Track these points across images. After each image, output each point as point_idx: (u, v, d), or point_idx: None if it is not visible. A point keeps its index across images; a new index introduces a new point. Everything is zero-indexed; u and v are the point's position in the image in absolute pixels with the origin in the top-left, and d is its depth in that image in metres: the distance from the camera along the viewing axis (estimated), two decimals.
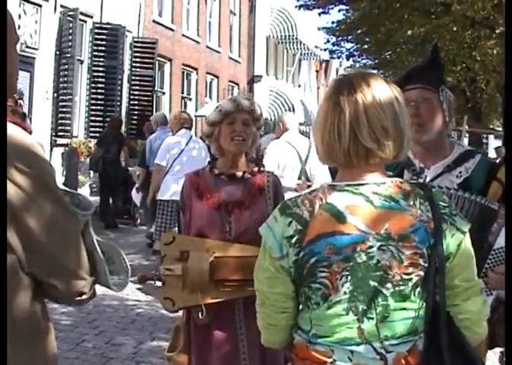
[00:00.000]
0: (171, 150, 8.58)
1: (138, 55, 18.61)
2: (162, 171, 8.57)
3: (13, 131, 1.85)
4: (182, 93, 23.12)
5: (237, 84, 27.60)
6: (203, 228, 3.43)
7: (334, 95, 2.11)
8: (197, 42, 23.53)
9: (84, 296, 2.00)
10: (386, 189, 2.07)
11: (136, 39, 18.86)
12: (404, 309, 2.03)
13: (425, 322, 2.06)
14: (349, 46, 23.88)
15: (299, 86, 34.14)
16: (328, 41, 23.52)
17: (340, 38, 23.11)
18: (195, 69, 23.72)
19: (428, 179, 2.94)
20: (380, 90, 2.08)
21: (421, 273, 2.03)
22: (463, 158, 2.98)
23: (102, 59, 17.05)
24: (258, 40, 28.91)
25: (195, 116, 23.46)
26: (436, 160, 3.00)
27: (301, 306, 2.17)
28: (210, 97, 25.35)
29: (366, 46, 23.83)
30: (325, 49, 25.01)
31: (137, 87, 18.59)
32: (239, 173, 3.47)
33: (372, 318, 2.02)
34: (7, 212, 1.76)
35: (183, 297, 3.35)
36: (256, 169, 3.53)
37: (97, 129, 16.30)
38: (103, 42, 17.03)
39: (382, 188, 2.07)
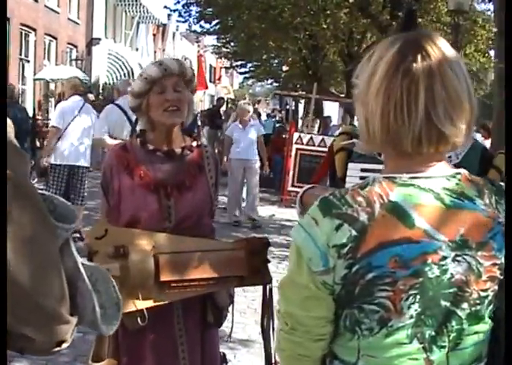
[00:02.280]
0: (65, 115, 8.55)
1: None
2: (57, 134, 8.54)
3: None
4: (20, 54, 21.93)
5: (75, 47, 26.63)
6: (137, 213, 2.91)
7: (401, 61, 1.60)
8: (36, 1, 22.36)
9: (64, 345, 1.43)
10: (457, 184, 1.65)
11: None
12: (476, 332, 1.66)
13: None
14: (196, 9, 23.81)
15: (137, 49, 33.48)
16: (179, 2, 23.40)
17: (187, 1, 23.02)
18: (34, 30, 22.57)
19: None
20: (454, 58, 1.64)
21: (496, 287, 1.66)
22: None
23: None
24: (97, 1, 27.93)
25: (34, 80, 22.49)
26: None
27: (340, 331, 1.71)
28: (49, 60, 24.29)
29: (210, 10, 23.76)
30: (174, 10, 24.78)
31: None
32: (178, 150, 2.99)
33: (444, 347, 1.62)
34: None
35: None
36: (194, 144, 3.06)
37: None
38: None
39: (452, 183, 1.64)
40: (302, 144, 13.18)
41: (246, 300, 6.26)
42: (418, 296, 1.59)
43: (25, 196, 1.30)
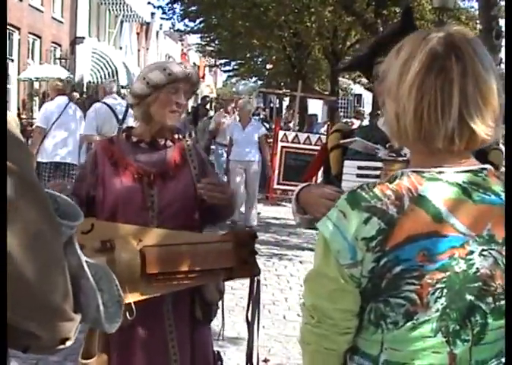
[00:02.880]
0: (49, 115, 8.74)
1: None
2: (42, 134, 8.70)
3: None
4: None
5: (60, 45, 26.48)
6: (120, 204, 2.94)
7: (435, 60, 1.61)
8: (20, 0, 22.20)
9: (68, 343, 1.42)
10: (484, 179, 1.66)
11: None
12: (500, 327, 1.65)
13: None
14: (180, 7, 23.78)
15: (121, 48, 33.43)
16: None
17: None
18: (17, 29, 22.41)
19: (408, 157, 2.80)
20: (486, 57, 1.65)
21: None
22: None
23: None
24: (81, 0, 27.83)
25: (18, 79, 22.38)
26: None
27: (364, 324, 1.72)
28: (33, 59, 24.17)
29: (194, 8, 23.74)
30: (158, 7, 24.77)
31: None
32: (161, 141, 3.05)
33: (467, 341, 1.63)
34: None
35: None
36: (176, 136, 3.12)
37: None
38: None
39: (480, 179, 1.66)
40: (288, 141, 13.18)
41: (234, 298, 6.28)
42: (444, 290, 1.60)
43: (32, 192, 1.28)
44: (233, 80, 52.03)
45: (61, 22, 26.47)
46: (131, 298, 2.74)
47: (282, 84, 33.36)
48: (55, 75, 21.51)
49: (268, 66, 35.67)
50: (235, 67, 37.00)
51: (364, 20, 15.59)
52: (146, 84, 2.94)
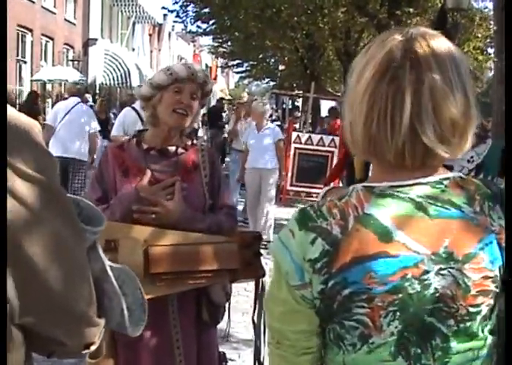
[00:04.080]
0: (57, 114, 9.31)
1: None
2: (50, 131, 9.11)
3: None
4: (17, 55, 21.93)
5: (72, 47, 26.61)
6: (130, 211, 2.87)
7: (388, 65, 1.46)
8: (32, 2, 22.33)
9: (92, 348, 1.45)
10: (443, 191, 1.51)
11: None
12: (470, 349, 1.50)
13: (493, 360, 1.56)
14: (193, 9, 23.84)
15: (133, 49, 33.51)
16: (176, 2, 23.40)
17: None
18: (30, 30, 22.54)
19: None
20: (450, 61, 1.47)
21: (492, 301, 1.50)
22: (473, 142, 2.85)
23: None
24: (93, 1, 27.91)
25: (31, 81, 22.46)
26: None
27: (328, 344, 1.60)
28: (46, 60, 24.29)
29: (207, 10, 23.77)
30: (172, 11, 24.82)
31: None
32: (172, 148, 2.98)
33: None
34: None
35: None
36: (189, 143, 3.06)
37: None
38: None
39: (438, 191, 1.50)
40: (301, 143, 13.14)
41: (248, 300, 6.22)
42: (398, 313, 1.47)
43: (56, 201, 1.29)
44: (245, 81, 52.01)
45: (74, 24, 26.60)
46: None
47: (294, 85, 33.31)
48: (67, 77, 21.66)
49: (281, 67, 35.63)
50: (248, 68, 36.99)
51: (377, 21, 15.51)
52: (150, 85, 2.94)
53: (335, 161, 11.54)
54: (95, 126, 9.70)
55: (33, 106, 13.68)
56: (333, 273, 1.47)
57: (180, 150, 3.00)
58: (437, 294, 1.46)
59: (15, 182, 1.20)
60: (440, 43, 1.49)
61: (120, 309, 1.51)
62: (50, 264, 1.25)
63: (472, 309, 1.47)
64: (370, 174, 2.63)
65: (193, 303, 2.99)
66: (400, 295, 1.45)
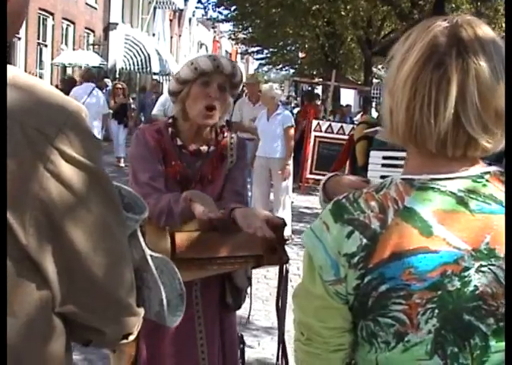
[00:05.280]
0: (76, 99, 9.70)
1: None
2: None
3: (48, 89, 1.25)
4: (38, 39, 21.97)
5: (93, 31, 26.62)
6: None
7: (434, 51, 1.42)
8: None
9: (131, 338, 1.44)
10: (484, 185, 1.46)
11: None
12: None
13: None
14: None
15: (154, 35, 33.45)
16: None
17: None
18: (51, 14, 22.56)
19: None
20: (496, 57, 1.42)
21: None
22: None
23: None
24: None
25: (51, 64, 22.52)
26: None
27: (360, 341, 1.57)
28: (66, 44, 24.33)
29: None
30: None
31: None
32: (204, 149, 2.96)
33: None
34: (46, 222, 1.19)
35: None
36: (220, 137, 3.03)
37: None
38: None
39: (479, 185, 1.46)
40: (321, 131, 13.10)
41: (269, 287, 6.24)
42: (436, 311, 1.43)
43: (100, 186, 1.28)
44: (265, 68, 51.86)
45: (95, 8, 26.57)
46: None
47: (314, 73, 33.20)
48: (88, 61, 21.69)
49: (301, 55, 35.52)
50: (268, 55, 36.91)
51: (400, 10, 15.39)
52: (177, 80, 2.90)
53: None
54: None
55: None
56: (369, 268, 1.43)
57: (212, 148, 2.99)
58: (478, 292, 1.42)
59: (62, 166, 1.19)
60: (486, 31, 1.46)
61: (159, 299, 1.50)
62: (93, 249, 1.25)
63: None
64: (370, 161, 2.64)
65: (216, 288, 3.02)
66: (439, 292, 1.42)
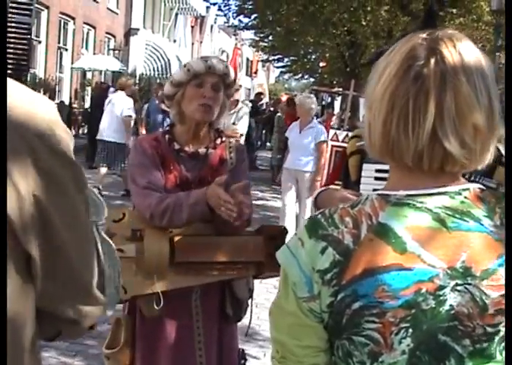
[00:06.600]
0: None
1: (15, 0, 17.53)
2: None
3: (21, 90, 1.28)
4: (59, 43, 22.09)
5: (114, 36, 26.72)
6: None
7: (412, 63, 1.38)
8: None
9: (94, 327, 1.47)
10: (462, 202, 1.42)
11: None
12: None
13: None
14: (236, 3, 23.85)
15: (174, 41, 33.55)
16: None
17: None
18: (72, 18, 22.70)
19: None
20: (476, 67, 1.39)
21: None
22: None
23: None
24: None
25: (71, 68, 22.60)
26: None
27: (336, 361, 1.50)
28: (87, 49, 24.41)
29: (250, 2, 23.77)
30: (214, 4, 24.87)
31: (13, 35, 17.55)
32: (202, 151, 2.98)
33: None
34: (38, 216, 1.23)
35: (137, 284, 2.75)
36: (219, 141, 3.05)
37: None
38: None
39: (457, 201, 1.42)
40: (338, 141, 13.01)
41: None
42: (410, 330, 1.37)
43: (79, 178, 1.33)
44: (285, 76, 51.90)
45: (116, 13, 26.70)
46: (159, 287, 2.76)
47: (334, 82, 33.14)
48: (107, 66, 21.76)
49: (321, 64, 35.46)
50: (288, 63, 36.89)
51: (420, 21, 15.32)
52: (171, 83, 2.96)
53: None
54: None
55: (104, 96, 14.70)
56: (343, 285, 1.39)
57: (210, 150, 3.01)
58: (453, 311, 1.38)
59: (49, 160, 1.24)
60: (467, 47, 1.42)
61: (115, 287, 1.56)
62: (71, 236, 1.29)
63: (489, 329, 1.38)
64: (363, 174, 2.58)
65: (216, 298, 3.00)
66: (413, 311, 1.37)
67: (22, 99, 1.25)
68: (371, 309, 1.38)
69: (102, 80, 22.82)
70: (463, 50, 1.40)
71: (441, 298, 1.37)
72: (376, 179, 2.56)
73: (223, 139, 3.08)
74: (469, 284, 1.38)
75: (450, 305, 1.37)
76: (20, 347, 1.27)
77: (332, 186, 2.50)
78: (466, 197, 1.43)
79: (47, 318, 1.34)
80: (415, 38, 1.43)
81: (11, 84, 1.25)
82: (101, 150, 11.56)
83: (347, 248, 1.39)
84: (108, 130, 11.50)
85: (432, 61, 1.37)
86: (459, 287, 1.37)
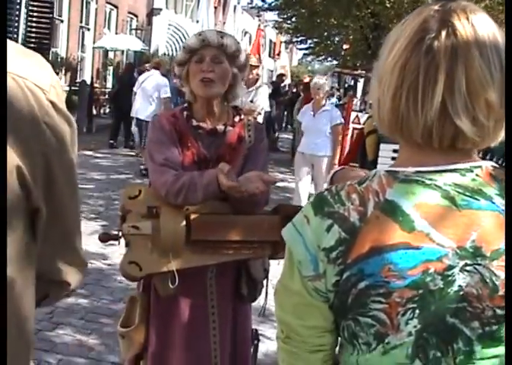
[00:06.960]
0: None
1: None
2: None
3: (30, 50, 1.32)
4: (81, 22, 22.08)
5: (136, 16, 26.66)
6: None
7: (423, 36, 1.32)
8: None
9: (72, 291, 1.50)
10: (473, 180, 1.37)
11: None
12: (496, 356, 1.35)
13: None
14: None
15: (197, 21, 33.37)
16: None
17: None
18: None
19: None
20: (490, 40, 1.32)
21: None
22: None
23: None
24: None
25: (93, 48, 22.59)
26: None
27: (343, 342, 1.49)
28: (109, 28, 24.41)
29: None
30: None
31: (35, 14, 17.53)
32: (220, 128, 2.94)
33: None
34: (45, 174, 1.26)
35: (152, 261, 2.72)
36: (237, 118, 3.01)
37: None
38: None
39: (468, 179, 1.36)
40: (359, 123, 12.92)
41: None
42: (417, 311, 1.34)
43: (75, 135, 1.35)
44: (309, 58, 51.65)
45: None
46: (175, 265, 2.72)
47: (357, 64, 32.92)
48: (129, 46, 21.71)
49: (344, 46, 35.21)
50: (311, 45, 36.67)
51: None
52: (183, 49, 2.95)
53: None
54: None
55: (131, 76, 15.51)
56: (348, 264, 1.36)
57: (228, 128, 2.97)
58: (462, 292, 1.33)
59: (55, 117, 1.27)
60: (481, 19, 1.35)
61: None
62: (69, 193, 1.34)
63: (499, 311, 1.33)
64: (380, 154, 2.51)
65: (232, 278, 2.99)
66: (420, 291, 1.33)
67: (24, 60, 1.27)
68: (378, 289, 1.34)
69: (124, 60, 22.80)
70: (476, 22, 1.33)
71: (450, 278, 1.33)
72: (393, 159, 2.48)
73: (242, 117, 3.05)
74: (479, 265, 1.33)
75: (459, 286, 1.33)
76: (24, 309, 1.29)
77: (348, 166, 2.43)
78: (477, 174, 1.38)
79: (37, 280, 1.34)
80: (427, 10, 1.36)
81: (11, 45, 1.24)
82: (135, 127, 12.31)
83: (353, 225, 1.36)
84: (141, 109, 11.90)
85: (443, 33, 1.32)
86: (468, 268, 1.33)
